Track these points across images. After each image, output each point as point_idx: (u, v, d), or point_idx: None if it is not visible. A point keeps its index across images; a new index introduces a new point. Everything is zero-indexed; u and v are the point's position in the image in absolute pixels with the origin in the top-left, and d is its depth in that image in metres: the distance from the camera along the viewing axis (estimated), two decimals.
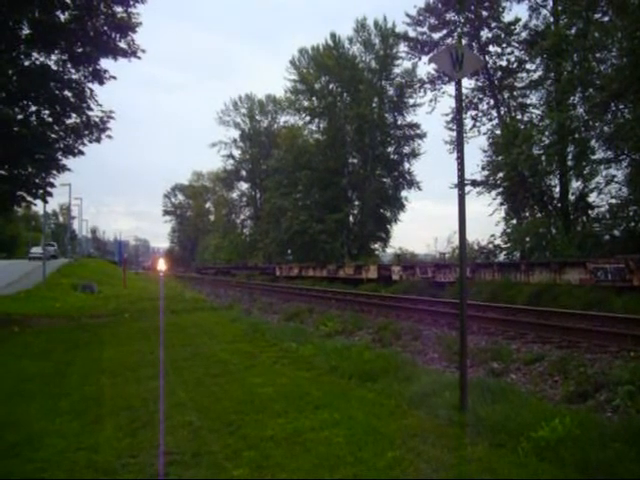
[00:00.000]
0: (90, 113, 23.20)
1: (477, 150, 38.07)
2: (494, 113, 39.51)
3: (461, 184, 7.89)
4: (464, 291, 7.98)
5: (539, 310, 18.10)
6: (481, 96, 39.89)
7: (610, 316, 15.72)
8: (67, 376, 11.02)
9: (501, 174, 34.53)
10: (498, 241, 34.90)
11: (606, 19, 29.89)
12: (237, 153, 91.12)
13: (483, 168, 35.76)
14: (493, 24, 38.55)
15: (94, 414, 8.27)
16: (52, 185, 24.76)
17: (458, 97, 8.19)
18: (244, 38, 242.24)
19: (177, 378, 10.24)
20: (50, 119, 23.23)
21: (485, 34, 39.20)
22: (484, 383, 8.80)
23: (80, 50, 22.21)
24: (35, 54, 22.14)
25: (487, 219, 36.44)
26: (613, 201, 30.74)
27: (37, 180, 24.08)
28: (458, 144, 8.17)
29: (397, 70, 60.74)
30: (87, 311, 24.73)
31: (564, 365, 10.20)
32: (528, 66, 37.03)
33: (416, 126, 61.57)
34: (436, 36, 40.74)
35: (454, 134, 36.13)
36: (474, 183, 35.63)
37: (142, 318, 21.36)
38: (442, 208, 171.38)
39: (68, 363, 12.39)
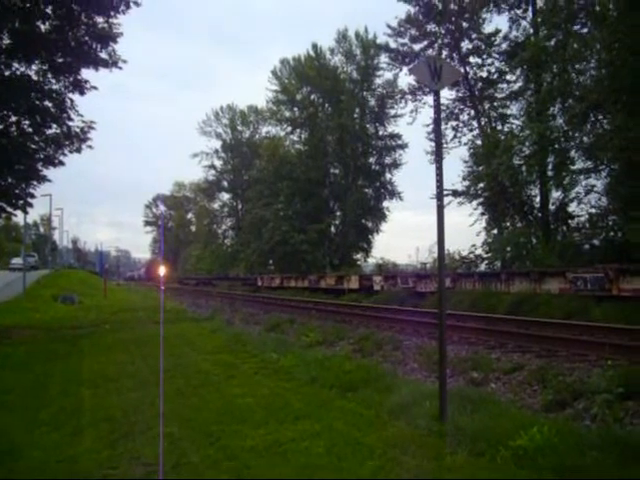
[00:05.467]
0: (71, 123, 23.14)
1: (458, 160, 38.20)
2: (475, 124, 39.69)
3: (440, 195, 7.95)
4: (443, 301, 8.03)
5: (519, 319, 18.16)
6: (462, 107, 40.03)
7: (589, 325, 15.83)
8: (47, 387, 10.96)
9: (482, 184, 34.69)
10: (479, 251, 35.00)
11: (585, 31, 30.16)
12: (219, 163, 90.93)
13: (464, 178, 35.89)
14: (473, 35, 38.74)
15: (74, 425, 8.24)
16: (32, 196, 24.70)
17: (437, 108, 8.25)
18: (222, 48, 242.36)
19: (158, 389, 10.20)
20: (30, 129, 23.13)
21: (465, 45, 39.39)
22: (464, 392, 8.87)
23: (61, 60, 22.15)
24: (15, 64, 22.03)
25: (468, 229, 36.51)
26: (593, 211, 30.94)
27: (17, 191, 23.97)
28: (437, 155, 8.24)
29: (378, 81, 60.91)
30: (67, 322, 24.59)
31: (543, 374, 10.24)
32: (508, 77, 37.29)
33: (397, 137, 61.76)
34: (417, 47, 40.90)
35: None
36: (455, 193, 35.78)
37: (123, 329, 21.29)
38: (424, 218, 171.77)
39: (48, 374, 12.33)
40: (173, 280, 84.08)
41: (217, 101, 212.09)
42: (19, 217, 55.84)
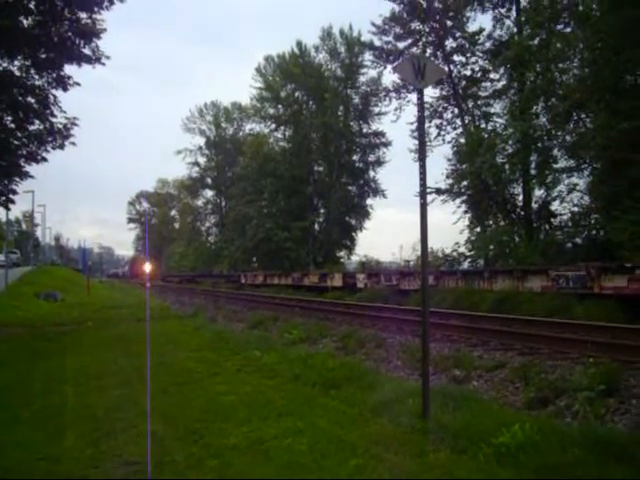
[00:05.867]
0: (54, 120, 23.06)
1: (442, 159, 38.25)
2: (458, 122, 39.75)
3: (423, 193, 7.98)
4: (426, 299, 8.06)
5: (501, 317, 18.20)
6: (446, 105, 40.06)
7: (571, 323, 15.87)
8: (29, 385, 10.91)
9: (465, 182, 34.79)
10: (462, 249, 35.02)
11: (568, 30, 30.33)
12: (202, 160, 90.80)
13: (447, 176, 35.96)
14: (457, 34, 38.85)
15: (56, 424, 8.21)
16: (14, 192, 24.61)
17: (420, 106, 8.26)
18: (205, 45, 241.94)
19: (141, 387, 10.18)
20: (13, 125, 23.02)
21: (449, 44, 39.49)
22: (446, 390, 8.90)
23: (44, 56, 22.06)
24: None
25: (451, 227, 36.51)
26: (575, 209, 31.11)
27: None
28: (420, 153, 8.26)
29: (363, 78, 61.20)
30: (50, 319, 24.50)
31: (525, 372, 10.29)
32: (492, 75, 37.25)
33: (381, 134, 61.99)
34: (401, 45, 41.00)
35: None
36: (438, 191, 35.83)
37: (106, 326, 21.24)
38: (407, 216, 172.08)
39: (30, 372, 12.28)
40: (157, 277, 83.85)
41: (201, 98, 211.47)
42: (1, 214, 55.55)
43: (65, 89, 22.85)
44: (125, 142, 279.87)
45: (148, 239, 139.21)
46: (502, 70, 35.08)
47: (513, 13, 35.25)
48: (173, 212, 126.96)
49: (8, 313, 26.72)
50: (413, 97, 40.22)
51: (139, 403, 9.02)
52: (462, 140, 37.93)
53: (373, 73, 55.28)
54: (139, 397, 9.42)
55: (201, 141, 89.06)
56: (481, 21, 66.61)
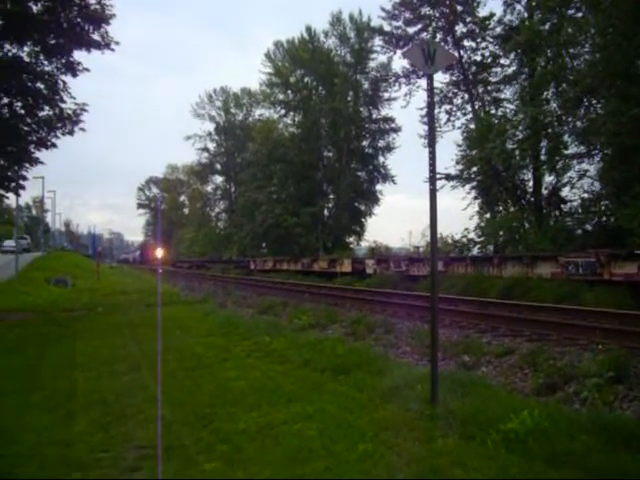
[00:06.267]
0: (63, 105, 23.09)
1: (451, 144, 38.16)
2: (468, 107, 39.61)
3: (433, 179, 7.96)
4: (435, 285, 8.06)
5: (511, 304, 18.20)
6: (455, 90, 39.94)
7: (580, 309, 15.86)
8: (40, 370, 10.97)
9: (475, 168, 34.67)
10: (472, 235, 34.92)
11: (579, 15, 30.08)
12: (212, 146, 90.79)
13: (457, 162, 35.80)
14: (468, 19, 38.64)
15: (67, 408, 8.25)
16: (25, 178, 24.69)
17: (430, 92, 8.23)
18: (214, 30, 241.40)
19: (151, 372, 10.23)
20: (22, 111, 23.06)
21: (460, 29, 39.27)
22: (455, 376, 8.90)
23: (53, 42, 22.07)
24: (7, 45, 21.95)
25: (461, 213, 36.50)
26: (585, 195, 30.97)
27: (9, 173, 23.91)
28: (430, 138, 8.22)
29: (372, 64, 60.81)
30: (60, 305, 24.59)
31: (534, 358, 10.27)
32: (502, 61, 37.14)
33: (391, 120, 61.79)
34: (411, 30, 40.75)
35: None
36: (448, 177, 35.78)
37: (116, 312, 21.32)
38: (417, 202, 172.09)
39: (41, 357, 12.34)
40: (168, 263, 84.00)
41: (211, 83, 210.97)
42: (11, 199, 55.78)
43: (74, 75, 22.87)
44: (135, 128, 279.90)
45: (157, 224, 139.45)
46: (512, 55, 34.92)
47: None
48: (182, 197, 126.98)
49: (19, 298, 26.87)
50: (423, 82, 40.01)
51: (148, 388, 9.07)
52: (472, 126, 37.84)
53: (383, 58, 54.94)
54: (148, 382, 9.47)
55: (210, 127, 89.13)
56: (491, 6, 66.12)
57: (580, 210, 30.81)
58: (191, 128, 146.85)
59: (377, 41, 50.24)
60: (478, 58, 38.98)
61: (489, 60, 38.26)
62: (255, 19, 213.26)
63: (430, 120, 8.48)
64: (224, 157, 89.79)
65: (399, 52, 42.37)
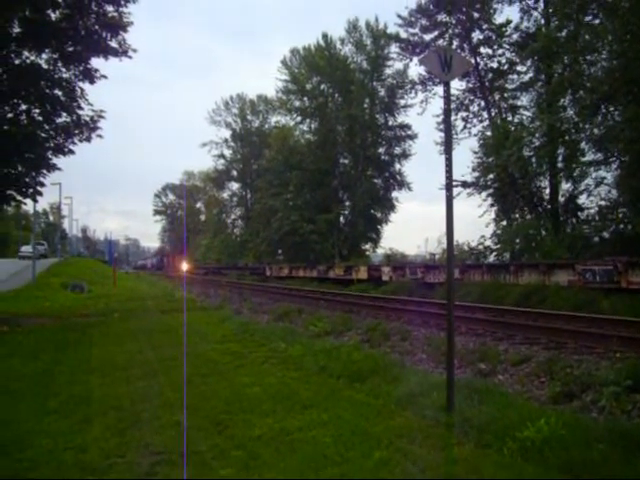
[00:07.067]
0: (80, 112, 23.17)
1: (468, 151, 38.27)
2: (485, 114, 39.65)
3: (449, 186, 7.94)
4: (451, 292, 8.03)
5: (527, 311, 18.11)
6: (472, 97, 39.97)
7: (597, 317, 15.77)
8: (56, 376, 11.00)
9: (491, 175, 34.61)
10: (488, 242, 34.91)
11: (597, 22, 29.99)
12: (228, 153, 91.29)
13: (474, 169, 35.80)
14: (484, 26, 38.64)
15: (82, 414, 8.27)
16: (42, 184, 24.76)
17: (447, 99, 8.21)
18: (231, 37, 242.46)
19: (166, 378, 10.26)
20: (40, 118, 23.18)
21: (476, 36, 39.30)
22: (471, 384, 8.86)
23: (71, 49, 22.16)
24: (26, 53, 22.09)
25: (477, 220, 36.48)
26: (602, 203, 30.87)
27: (27, 179, 24.04)
28: (446, 145, 8.21)
29: (388, 71, 61.04)
30: (77, 310, 24.69)
31: (551, 366, 10.22)
32: (519, 68, 37.13)
33: (407, 127, 61.98)
34: (427, 37, 40.86)
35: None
36: (464, 184, 35.71)
37: (131, 318, 21.38)
38: (433, 209, 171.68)
39: (57, 362, 12.37)
40: (191, 272, 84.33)
41: (227, 90, 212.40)
42: (29, 205, 56.11)
43: (92, 82, 22.98)
44: (151, 134, 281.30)
45: (173, 231, 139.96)
46: (529, 62, 34.87)
47: (541, 4, 35.11)
48: (199, 204, 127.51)
49: (36, 304, 27.00)
50: (439, 89, 39.94)
51: (164, 394, 9.09)
52: (488, 133, 37.82)
53: (399, 65, 55.20)
54: (163, 388, 9.50)
55: (227, 133, 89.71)
56: (508, 13, 66.25)
57: (597, 218, 30.69)
58: (207, 135, 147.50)
59: (393, 48, 50.53)
60: (494, 65, 39.05)
61: (505, 67, 38.29)
62: (271, 26, 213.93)
63: (446, 127, 8.46)
64: (240, 164, 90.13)
65: (415, 59, 42.56)
